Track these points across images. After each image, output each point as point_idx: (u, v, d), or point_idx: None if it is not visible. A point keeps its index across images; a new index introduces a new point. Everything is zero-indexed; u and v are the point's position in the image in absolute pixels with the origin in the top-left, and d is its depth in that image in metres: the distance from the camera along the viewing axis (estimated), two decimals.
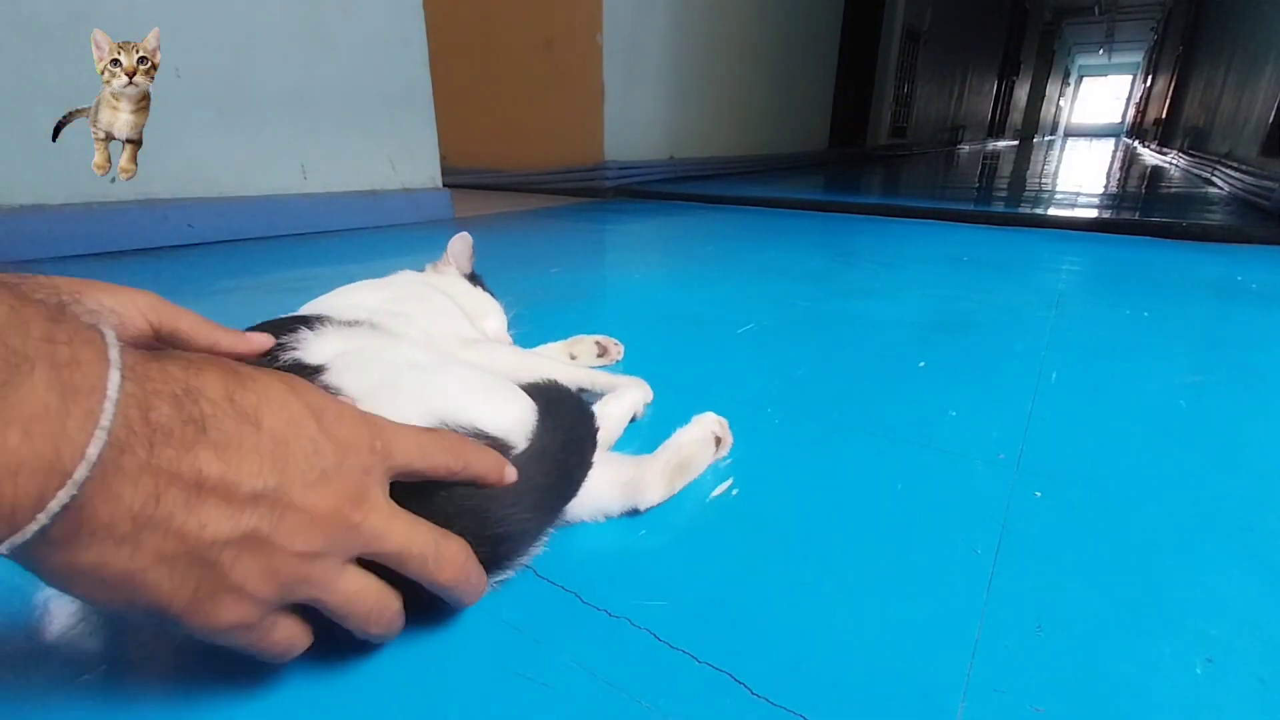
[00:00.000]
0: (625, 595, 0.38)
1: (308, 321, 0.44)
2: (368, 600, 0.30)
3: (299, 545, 0.26)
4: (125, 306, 0.34)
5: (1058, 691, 0.32)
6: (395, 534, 0.30)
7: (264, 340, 0.39)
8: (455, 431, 0.36)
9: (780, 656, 0.34)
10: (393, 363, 0.42)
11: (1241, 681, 0.33)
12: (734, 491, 0.49)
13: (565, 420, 0.42)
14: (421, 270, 0.71)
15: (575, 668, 0.33)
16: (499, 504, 0.35)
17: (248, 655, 0.29)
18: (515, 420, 0.40)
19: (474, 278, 0.73)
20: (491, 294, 0.72)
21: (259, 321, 0.44)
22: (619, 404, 0.57)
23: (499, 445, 0.38)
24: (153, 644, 0.34)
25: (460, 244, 0.71)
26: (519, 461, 0.37)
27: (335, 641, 0.32)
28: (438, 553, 0.31)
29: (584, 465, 0.42)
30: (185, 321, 0.35)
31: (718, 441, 0.53)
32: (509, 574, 0.38)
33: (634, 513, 0.45)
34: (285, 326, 0.42)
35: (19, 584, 0.38)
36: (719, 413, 0.55)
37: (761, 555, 0.41)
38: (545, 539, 0.39)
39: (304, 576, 0.27)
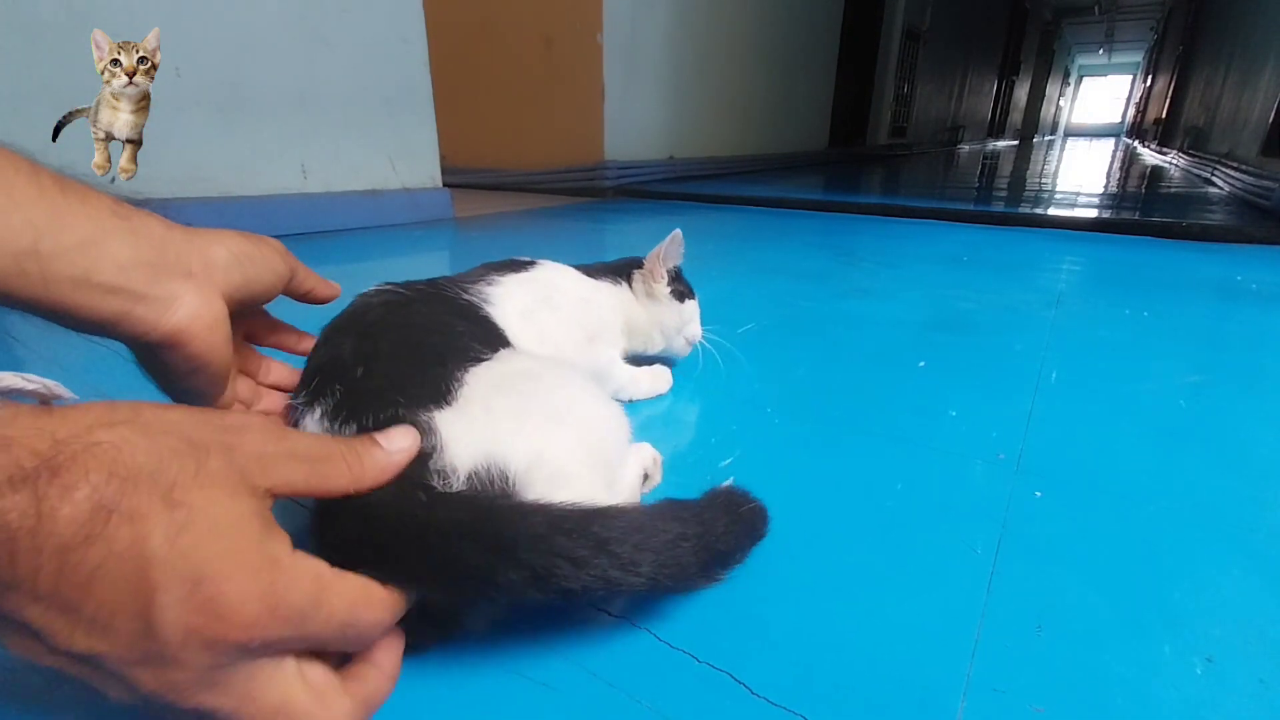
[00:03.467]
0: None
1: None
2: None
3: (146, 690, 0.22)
4: (268, 252, 0.39)
5: (1058, 691, 0.32)
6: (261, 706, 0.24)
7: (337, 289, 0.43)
8: None
9: (780, 656, 0.34)
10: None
11: (1241, 681, 0.33)
12: None
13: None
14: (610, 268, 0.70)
15: (575, 668, 0.33)
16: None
17: None
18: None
19: (677, 275, 0.70)
20: (689, 290, 0.71)
21: None
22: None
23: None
24: None
25: (673, 245, 0.67)
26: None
27: None
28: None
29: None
30: (301, 268, 0.41)
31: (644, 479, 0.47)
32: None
33: None
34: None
35: None
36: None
37: (761, 555, 0.40)
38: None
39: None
